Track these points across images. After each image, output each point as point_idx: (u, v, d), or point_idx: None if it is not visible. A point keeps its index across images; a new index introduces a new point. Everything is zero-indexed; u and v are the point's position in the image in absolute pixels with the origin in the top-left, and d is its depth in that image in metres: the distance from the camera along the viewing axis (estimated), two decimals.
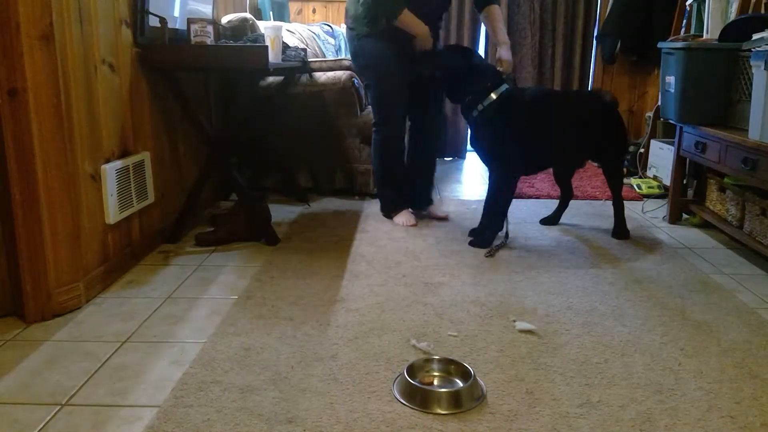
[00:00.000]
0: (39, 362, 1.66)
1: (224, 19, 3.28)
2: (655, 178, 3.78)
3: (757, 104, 2.33)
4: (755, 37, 2.51)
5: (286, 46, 3.07)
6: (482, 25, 4.24)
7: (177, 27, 2.67)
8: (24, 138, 1.81)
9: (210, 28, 2.51)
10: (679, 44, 2.84)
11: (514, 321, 1.90)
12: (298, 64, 3.01)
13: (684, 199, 3.12)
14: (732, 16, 3.19)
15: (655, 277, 2.31)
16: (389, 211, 3.03)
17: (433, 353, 1.69)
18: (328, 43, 4.22)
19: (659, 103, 3.27)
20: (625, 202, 2.84)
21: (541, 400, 1.49)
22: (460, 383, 1.54)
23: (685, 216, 3.15)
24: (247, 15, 3.33)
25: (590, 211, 3.25)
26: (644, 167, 3.97)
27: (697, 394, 1.53)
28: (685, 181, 3.13)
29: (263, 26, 2.93)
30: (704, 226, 3.02)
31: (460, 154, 4.85)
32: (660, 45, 3.01)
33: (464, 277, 2.27)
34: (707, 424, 1.41)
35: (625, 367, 1.65)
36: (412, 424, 1.39)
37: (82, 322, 1.91)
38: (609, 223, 2.91)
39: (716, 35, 2.99)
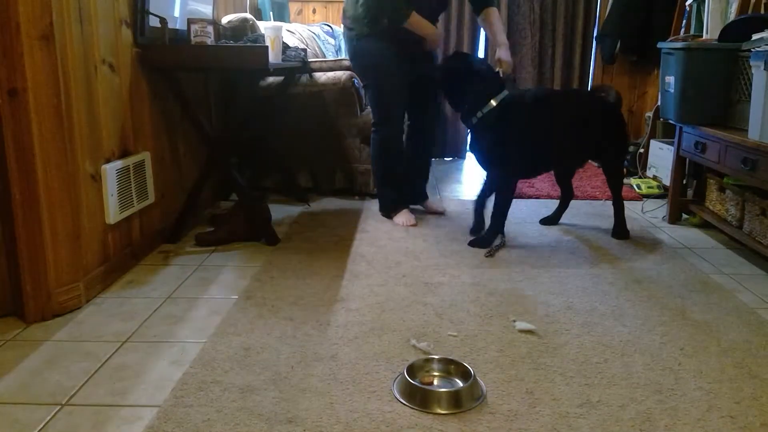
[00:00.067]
0: (39, 362, 1.66)
1: (224, 20, 3.28)
2: (654, 178, 3.78)
3: (756, 104, 2.33)
4: (755, 37, 2.51)
5: (286, 47, 3.07)
6: None
7: (177, 27, 2.68)
8: (24, 138, 1.81)
9: (210, 29, 2.51)
10: (678, 44, 2.84)
11: (514, 321, 1.90)
12: (298, 65, 3.01)
13: (684, 199, 3.13)
14: (732, 16, 3.19)
15: (655, 277, 2.31)
16: (389, 211, 3.03)
17: (433, 353, 1.69)
18: (328, 43, 4.22)
19: (659, 103, 3.27)
20: (624, 202, 2.84)
21: (541, 400, 1.49)
22: (460, 383, 1.54)
23: (684, 216, 3.15)
24: (248, 15, 3.33)
25: (590, 211, 3.25)
26: (644, 167, 3.97)
27: (697, 394, 1.53)
28: (684, 181, 3.13)
29: (263, 26, 2.93)
30: (704, 226, 3.02)
31: (460, 154, 4.85)
32: (660, 45, 3.01)
33: (464, 277, 2.27)
34: (707, 424, 1.41)
35: (624, 367, 1.65)
36: (412, 424, 1.39)
37: (82, 322, 1.91)
38: (609, 223, 2.91)
39: (716, 35, 2.99)
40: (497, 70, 2.69)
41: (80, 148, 2.03)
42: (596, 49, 4.66)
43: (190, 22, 2.50)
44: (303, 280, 2.23)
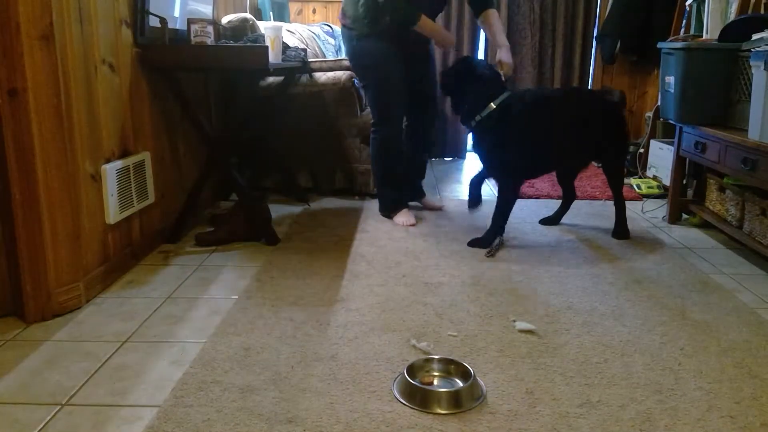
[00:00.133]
0: (39, 362, 1.66)
1: (224, 20, 3.28)
2: (654, 178, 3.78)
3: (756, 104, 2.33)
4: (755, 37, 2.51)
5: (286, 47, 3.07)
6: None
7: (177, 27, 2.68)
8: (24, 138, 1.81)
9: (210, 29, 2.51)
10: (678, 44, 2.84)
11: (514, 321, 1.90)
12: (298, 65, 3.01)
13: (684, 199, 3.13)
14: (732, 16, 3.19)
15: (655, 277, 2.31)
16: (389, 211, 3.03)
17: (433, 353, 1.70)
18: (328, 43, 4.22)
19: (659, 103, 3.27)
20: (625, 202, 2.84)
21: (541, 400, 1.49)
22: (460, 383, 1.54)
23: (684, 216, 3.15)
24: (248, 15, 3.33)
25: (590, 211, 3.25)
26: (644, 167, 3.97)
27: (696, 394, 1.53)
28: (684, 181, 3.13)
29: (263, 26, 2.93)
30: (704, 226, 3.02)
31: (460, 154, 4.85)
32: (660, 45, 3.01)
33: (464, 277, 2.27)
34: (707, 424, 1.41)
35: (624, 367, 1.65)
36: (412, 424, 1.39)
37: (82, 322, 1.91)
38: (609, 223, 2.91)
39: (716, 35, 2.99)
40: (498, 71, 2.69)
41: (80, 148, 2.03)
42: (596, 49, 4.66)
43: (190, 22, 2.50)
44: (303, 280, 2.23)
